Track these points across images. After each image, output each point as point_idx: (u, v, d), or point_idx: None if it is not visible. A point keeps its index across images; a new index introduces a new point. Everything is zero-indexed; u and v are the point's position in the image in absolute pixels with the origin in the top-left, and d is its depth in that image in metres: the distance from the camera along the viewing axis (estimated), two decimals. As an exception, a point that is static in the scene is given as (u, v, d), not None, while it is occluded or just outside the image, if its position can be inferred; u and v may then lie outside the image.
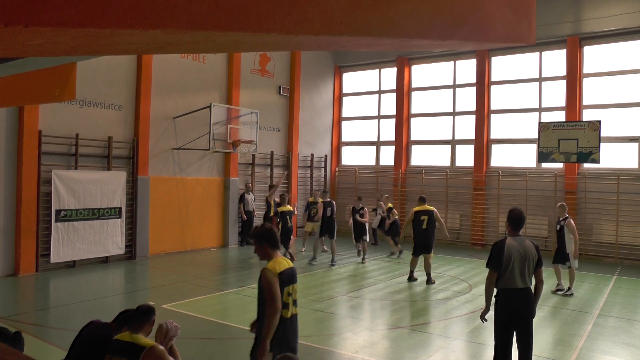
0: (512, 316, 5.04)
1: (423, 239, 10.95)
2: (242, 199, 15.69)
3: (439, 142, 18.36)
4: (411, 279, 11.00)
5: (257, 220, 15.80)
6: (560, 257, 10.11)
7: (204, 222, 15.05)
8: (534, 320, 5.19)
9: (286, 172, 17.29)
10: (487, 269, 5.17)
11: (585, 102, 15.55)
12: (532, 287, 5.16)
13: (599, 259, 14.67)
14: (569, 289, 10.07)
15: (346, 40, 2.11)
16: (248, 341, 5.00)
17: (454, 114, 18.08)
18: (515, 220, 5.19)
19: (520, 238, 5.15)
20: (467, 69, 17.81)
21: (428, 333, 7.60)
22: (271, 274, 4.30)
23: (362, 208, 13.95)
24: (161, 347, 3.73)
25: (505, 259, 5.00)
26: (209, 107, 14.10)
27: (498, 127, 17.11)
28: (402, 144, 18.70)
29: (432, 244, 11.08)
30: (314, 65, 19.48)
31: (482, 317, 5.34)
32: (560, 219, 10.21)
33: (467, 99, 17.69)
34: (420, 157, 18.82)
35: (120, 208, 12.59)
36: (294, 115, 18.26)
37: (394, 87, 19.13)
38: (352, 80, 20.85)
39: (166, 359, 3.66)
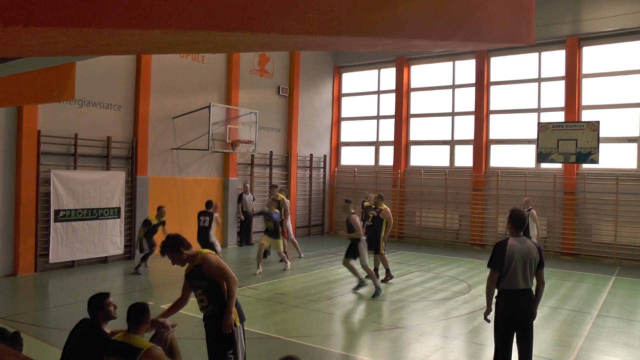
0: (513, 317, 5.03)
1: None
2: (240, 199, 15.69)
3: (438, 142, 18.36)
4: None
5: (256, 220, 15.81)
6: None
7: (203, 222, 15.02)
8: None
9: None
10: (488, 269, 5.17)
11: (584, 102, 15.55)
12: (533, 289, 5.16)
13: (598, 259, 14.68)
14: None
15: (346, 40, 2.11)
16: (249, 341, 4.99)
17: (453, 114, 18.08)
18: (517, 221, 5.17)
19: (522, 239, 5.14)
20: (466, 69, 17.81)
21: (427, 333, 7.60)
22: (213, 256, 4.57)
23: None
24: (159, 350, 3.67)
25: (507, 260, 4.99)
26: (208, 107, 14.09)
27: (497, 127, 17.12)
28: (401, 144, 18.70)
29: None
30: (313, 66, 19.48)
31: (486, 318, 5.33)
32: (525, 209, 11.34)
33: (466, 99, 17.69)
34: (420, 157, 18.81)
35: (119, 208, 12.58)
36: (293, 116, 18.26)
37: (393, 87, 19.13)
38: (352, 80, 20.85)
39: (165, 361, 3.62)
